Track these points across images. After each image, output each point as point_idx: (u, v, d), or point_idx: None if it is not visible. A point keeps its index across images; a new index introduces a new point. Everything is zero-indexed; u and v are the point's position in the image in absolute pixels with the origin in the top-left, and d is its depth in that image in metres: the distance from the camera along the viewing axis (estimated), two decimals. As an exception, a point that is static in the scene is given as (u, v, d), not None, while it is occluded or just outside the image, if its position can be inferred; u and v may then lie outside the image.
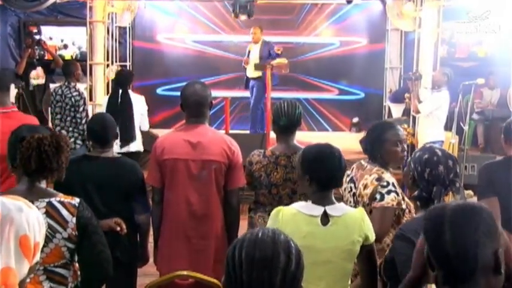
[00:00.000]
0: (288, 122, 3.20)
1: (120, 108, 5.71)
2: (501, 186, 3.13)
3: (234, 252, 1.40)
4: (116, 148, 5.54)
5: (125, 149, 5.64)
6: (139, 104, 5.96)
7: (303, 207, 2.39)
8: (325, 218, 2.34)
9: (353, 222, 2.36)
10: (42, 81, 8.83)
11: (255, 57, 8.33)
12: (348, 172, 2.96)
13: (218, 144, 3.06)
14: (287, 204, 2.99)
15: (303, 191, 2.83)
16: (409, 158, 2.31)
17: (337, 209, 2.37)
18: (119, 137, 5.46)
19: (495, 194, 3.10)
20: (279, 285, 1.35)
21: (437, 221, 1.45)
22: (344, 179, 2.88)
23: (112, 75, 8.47)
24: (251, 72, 8.34)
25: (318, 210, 2.35)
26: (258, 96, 8.31)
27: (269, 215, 3.10)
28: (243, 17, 7.68)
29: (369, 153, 2.99)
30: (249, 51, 8.52)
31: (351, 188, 2.97)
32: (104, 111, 5.70)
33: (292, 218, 2.36)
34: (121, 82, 5.91)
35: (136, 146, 5.91)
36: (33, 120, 3.59)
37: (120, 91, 5.79)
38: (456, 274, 1.41)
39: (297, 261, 1.40)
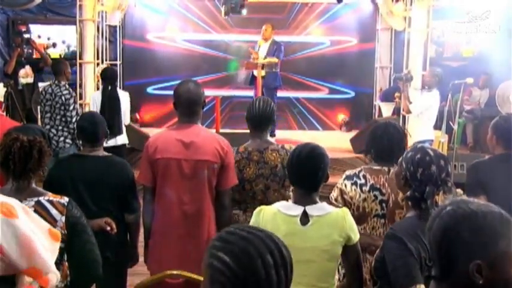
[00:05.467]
0: (259, 118, 3.20)
1: (110, 103, 6.05)
2: (489, 185, 3.16)
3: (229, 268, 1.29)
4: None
5: (112, 143, 5.92)
6: (125, 99, 6.32)
7: (283, 207, 2.40)
8: (305, 218, 2.35)
9: (334, 222, 2.36)
10: (30, 80, 8.78)
11: (263, 55, 8.15)
12: (361, 181, 2.83)
13: (211, 144, 3.05)
14: (261, 200, 3.03)
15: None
16: (400, 158, 2.32)
17: (318, 208, 2.37)
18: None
19: (483, 193, 3.13)
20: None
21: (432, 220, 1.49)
22: (354, 190, 2.82)
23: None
24: (260, 71, 7.98)
25: (298, 210, 2.36)
26: (268, 95, 7.95)
27: (244, 212, 3.13)
28: (231, 15, 7.69)
29: (375, 154, 2.95)
30: (259, 47, 8.29)
31: (375, 196, 2.81)
32: (94, 107, 6.13)
33: (272, 218, 2.38)
34: (111, 78, 6.19)
35: (123, 139, 6.30)
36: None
37: (110, 87, 6.11)
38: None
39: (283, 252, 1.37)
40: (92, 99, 6.39)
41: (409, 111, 6.26)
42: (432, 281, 1.45)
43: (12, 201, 1.40)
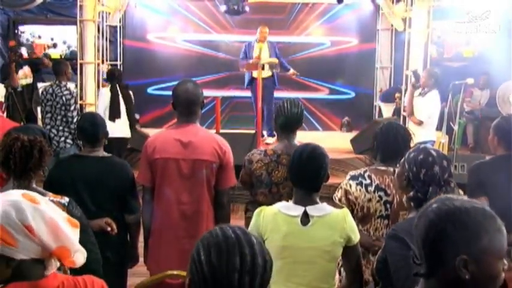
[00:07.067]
0: (288, 120, 3.19)
1: (126, 99, 6.65)
2: (490, 186, 3.15)
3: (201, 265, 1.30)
4: (127, 132, 6.68)
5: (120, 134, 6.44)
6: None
7: (283, 207, 2.40)
8: (306, 218, 2.34)
9: (334, 223, 2.36)
10: (29, 80, 8.77)
11: (265, 57, 8.01)
12: (366, 182, 2.82)
13: (209, 143, 3.05)
14: None
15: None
16: (402, 159, 2.31)
17: (318, 209, 2.37)
18: (129, 123, 6.63)
19: (485, 194, 3.12)
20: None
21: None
22: (360, 190, 2.81)
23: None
24: (261, 72, 7.72)
25: (298, 210, 2.36)
26: (266, 95, 7.88)
27: None
28: (233, 15, 7.68)
29: (383, 155, 2.92)
30: (260, 50, 8.05)
31: (380, 196, 2.80)
32: (102, 102, 6.60)
33: (273, 218, 2.37)
34: (118, 78, 6.74)
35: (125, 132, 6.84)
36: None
37: (118, 86, 6.63)
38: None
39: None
40: (101, 94, 6.79)
41: (421, 122, 6.06)
42: (421, 280, 1.46)
43: (32, 193, 1.51)
